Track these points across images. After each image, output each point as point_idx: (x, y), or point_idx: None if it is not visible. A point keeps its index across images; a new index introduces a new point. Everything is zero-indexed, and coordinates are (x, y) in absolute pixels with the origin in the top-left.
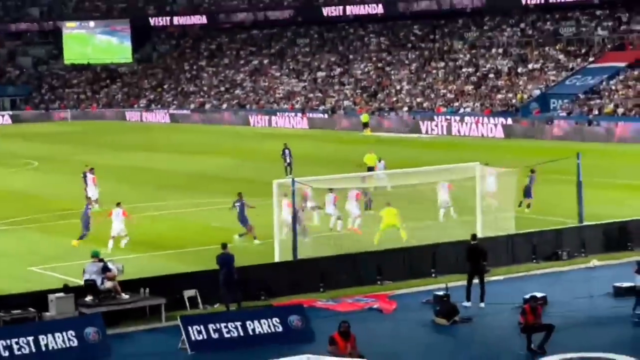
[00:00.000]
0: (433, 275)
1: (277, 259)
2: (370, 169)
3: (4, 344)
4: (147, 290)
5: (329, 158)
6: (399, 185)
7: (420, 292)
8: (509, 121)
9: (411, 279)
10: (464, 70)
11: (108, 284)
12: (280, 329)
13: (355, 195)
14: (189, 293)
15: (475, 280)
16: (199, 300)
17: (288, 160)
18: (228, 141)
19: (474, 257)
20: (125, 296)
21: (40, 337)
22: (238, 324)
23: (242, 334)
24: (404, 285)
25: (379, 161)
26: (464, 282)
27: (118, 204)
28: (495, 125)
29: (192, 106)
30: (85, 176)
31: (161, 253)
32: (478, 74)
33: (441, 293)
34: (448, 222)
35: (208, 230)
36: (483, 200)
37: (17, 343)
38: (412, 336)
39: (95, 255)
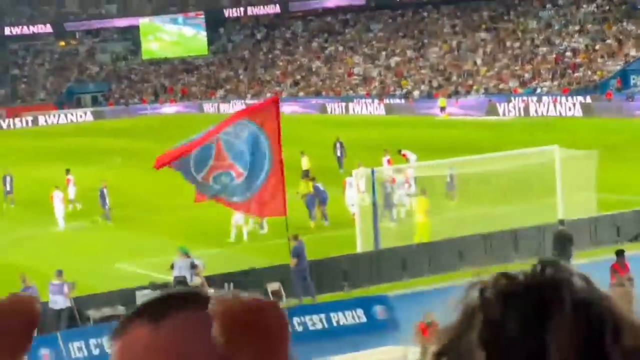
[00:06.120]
0: (515, 260)
1: (359, 249)
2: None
3: (95, 342)
4: (232, 285)
5: (407, 144)
6: (474, 172)
7: None
8: (588, 99)
9: (493, 265)
10: (540, 49)
11: (196, 280)
12: (364, 319)
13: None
14: (272, 287)
15: None
16: (283, 293)
17: (338, 154)
18: (304, 129)
19: (562, 242)
20: (211, 291)
21: None
22: (322, 316)
23: (326, 326)
24: (486, 271)
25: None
26: None
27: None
28: (574, 104)
29: (268, 95)
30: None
31: (240, 247)
32: (554, 52)
33: None
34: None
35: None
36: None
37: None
38: None
39: (183, 252)
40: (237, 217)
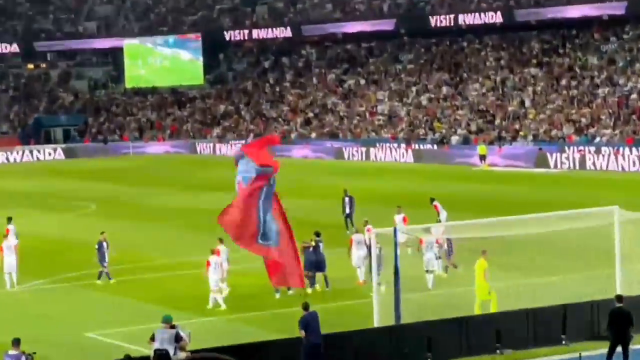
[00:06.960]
0: (563, 342)
1: (376, 324)
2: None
3: None
4: None
5: (438, 198)
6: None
7: None
8: None
9: (537, 347)
10: (600, 90)
11: (180, 355)
12: None
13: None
14: None
15: (617, 349)
16: None
17: (348, 211)
18: (316, 178)
19: (619, 322)
20: None
21: None
22: None
23: None
24: (529, 355)
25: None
26: (602, 350)
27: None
28: (639, 157)
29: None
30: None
31: (236, 316)
32: (618, 94)
33: None
34: (579, 277)
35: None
36: None
37: None
38: None
39: (167, 321)
40: (213, 285)
